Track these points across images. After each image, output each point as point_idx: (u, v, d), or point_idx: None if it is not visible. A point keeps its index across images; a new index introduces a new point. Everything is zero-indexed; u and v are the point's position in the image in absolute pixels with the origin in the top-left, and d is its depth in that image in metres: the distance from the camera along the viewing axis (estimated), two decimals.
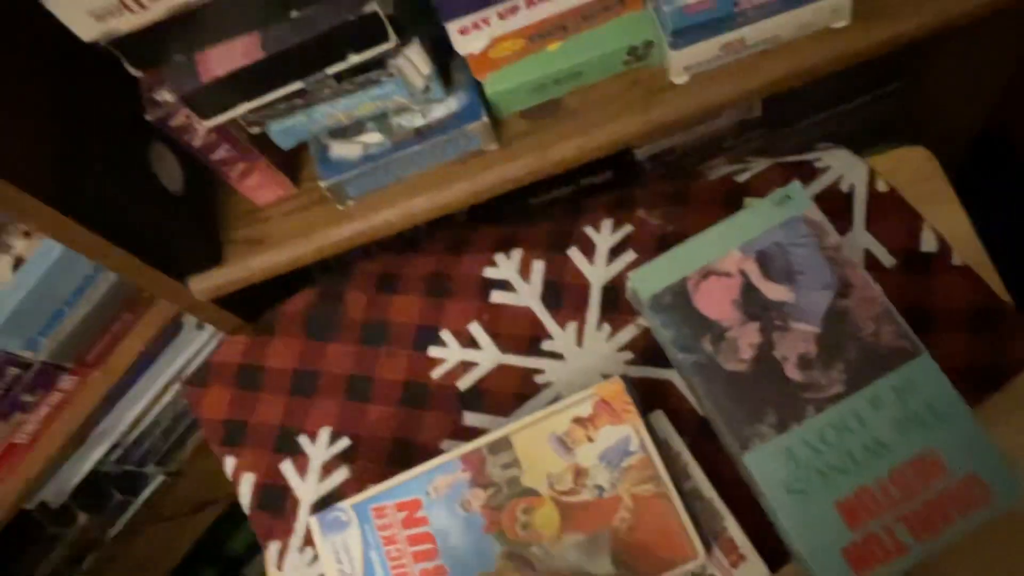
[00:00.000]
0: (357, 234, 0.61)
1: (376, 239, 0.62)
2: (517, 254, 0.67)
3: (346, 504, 0.56)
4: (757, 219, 0.54)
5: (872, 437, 0.48)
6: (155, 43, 0.47)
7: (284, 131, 0.57)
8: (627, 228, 0.66)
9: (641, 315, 0.61)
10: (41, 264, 0.63)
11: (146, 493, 1.07)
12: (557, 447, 0.55)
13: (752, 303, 0.52)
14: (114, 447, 0.95)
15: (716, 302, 0.53)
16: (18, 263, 0.63)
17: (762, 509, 0.54)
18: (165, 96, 0.51)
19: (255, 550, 1.28)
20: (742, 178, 0.66)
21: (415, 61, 0.54)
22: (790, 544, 0.49)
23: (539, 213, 0.71)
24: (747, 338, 0.51)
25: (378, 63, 0.53)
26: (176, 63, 0.47)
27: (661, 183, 0.68)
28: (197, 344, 0.95)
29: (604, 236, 0.66)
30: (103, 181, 0.52)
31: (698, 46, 0.56)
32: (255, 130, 0.56)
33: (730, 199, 0.65)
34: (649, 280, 0.54)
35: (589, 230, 0.67)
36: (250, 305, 0.70)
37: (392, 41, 0.50)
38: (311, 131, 0.58)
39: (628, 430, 0.54)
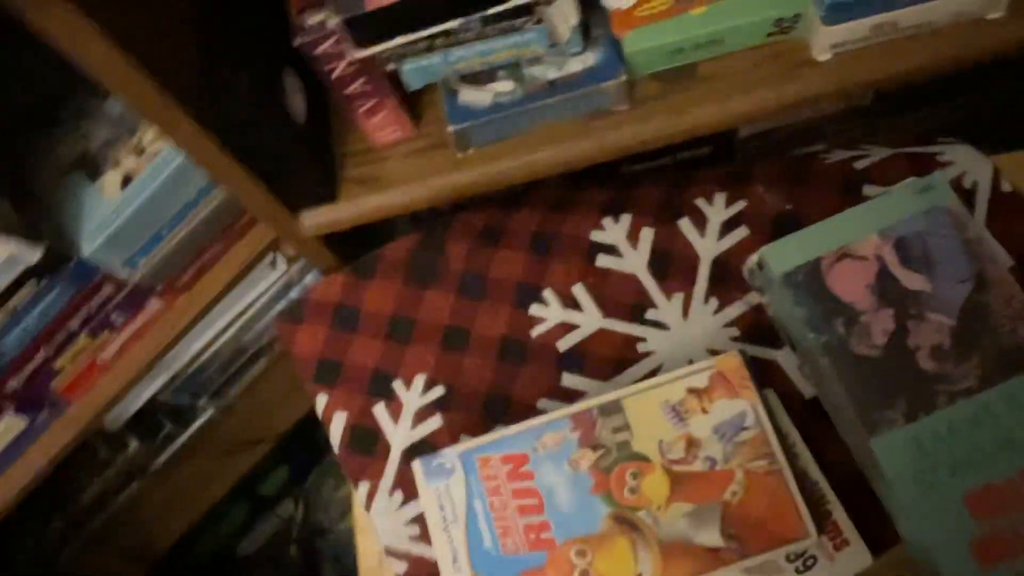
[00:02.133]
0: (473, 183, 0.61)
1: (492, 190, 0.61)
2: (626, 220, 0.66)
3: (451, 452, 0.55)
4: (897, 206, 0.53)
5: (1006, 434, 0.47)
6: None
7: (417, 71, 0.56)
8: (741, 204, 0.65)
9: (754, 291, 0.61)
10: (150, 183, 0.62)
11: (195, 427, 1.07)
12: (670, 415, 0.54)
13: (887, 289, 0.52)
14: (174, 376, 0.95)
15: (850, 285, 0.52)
16: (127, 180, 0.62)
17: (865, 495, 0.54)
18: (315, 21, 0.50)
19: (285, 492, 1.29)
20: (861, 165, 0.65)
21: (565, 10, 0.53)
22: (912, 533, 0.49)
23: (641, 180, 0.70)
24: (880, 324, 0.51)
25: (527, 9, 0.52)
26: None
27: (776, 163, 0.67)
28: (267, 282, 0.94)
29: (717, 209, 0.65)
30: (241, 101, 0.51)
31: (850, 24, 0.55)
32: (390, 67, 0.55)
33: (849, 185, 0.64)
34: (783, 256, 0.53)
35: (701, 202, 0.66)
36: (345, 247, 0.70)
37: None
38: (442, 74, 0.57)
39: (745, 405, 0.54)
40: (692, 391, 0.55)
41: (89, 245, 0.61)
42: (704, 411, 0.54)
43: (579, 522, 0.53)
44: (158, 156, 0.62)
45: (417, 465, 0.56)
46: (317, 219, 0.61)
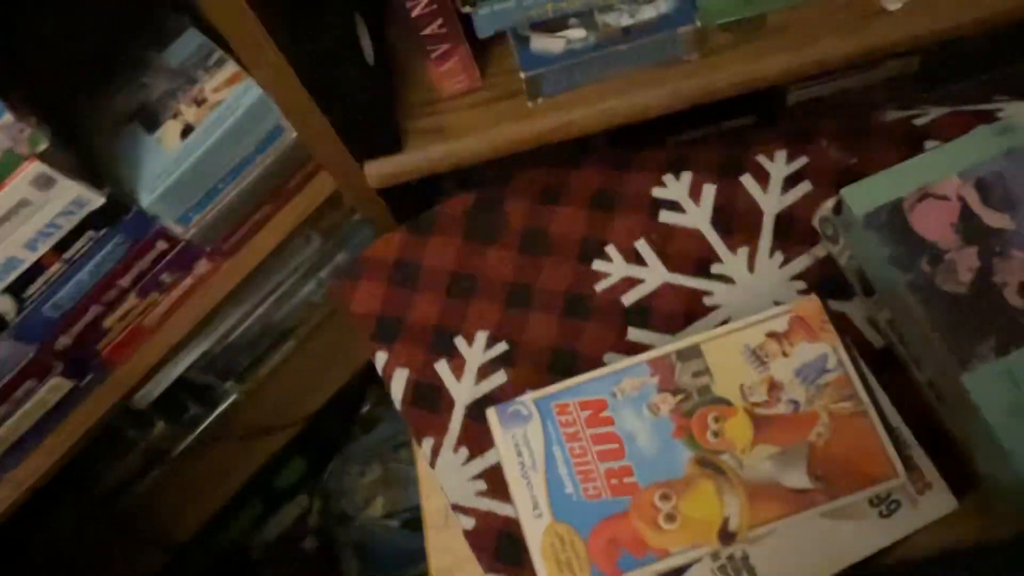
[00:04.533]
0: (543, 133, 0.60)
1: (563, 139, 0.61)
2: (687, 177, 0.66)
3: (526, 398, 0.54)
4: (975, 147, 0.53)
5: None
6: None
7: (490, 16, 0.56)
8: (802, 160, 0.65)
9: (821, 244, 0.60)
10: (212, 132, 0.61)
11: (219, 410, 1.05)
12: (750, 359, 0.54)
13: (970, 228, 0.51)
14: (204, 353, 0.93)
15: (933, 224, 0.52)
16: (187, 131, 0.61)
17: (941, 444, 0.54)
18: None
19: (301, 486, 1.27)
20: (920, 122, 0.66)
21: None
22: (1006, 467, 0.48)
23: (695, 144, 0.70)
24: (965, 262, 0.51)
25: None
26: None
27: (835, 120, 0.67)
28: (300, 257, 0.93)
29: (778, 165, 0.65)
30: (322, 36, 0.50)
31: None
32: (466, 9, 0.55)
33: (910, 141, 0.64)
34: (863, 197, 0.53)
35: (762, 159, 0.66)
36: (399, 206, 0.69)
37: None
38: (515, 20, 0.57)
39: (826, 348, 0.54)
40: (772, 335, 0.54)
41: (148, 195, 0.60)
42: (785, 354, 0.54)
43: (661, 466, 0.52)
44: (220, 105, 0.61)
45: (492, 412, 0.55)
46: (382, 169, 0.60)
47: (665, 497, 0.51)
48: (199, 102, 0.61)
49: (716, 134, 0.80)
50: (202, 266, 0.70)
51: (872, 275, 0.54)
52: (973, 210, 0.52)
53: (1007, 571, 0.49)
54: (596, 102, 0.59)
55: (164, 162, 0.61)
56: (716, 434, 0.52)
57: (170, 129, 0.61)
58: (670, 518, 0.51)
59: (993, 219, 0.52)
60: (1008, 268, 0.50)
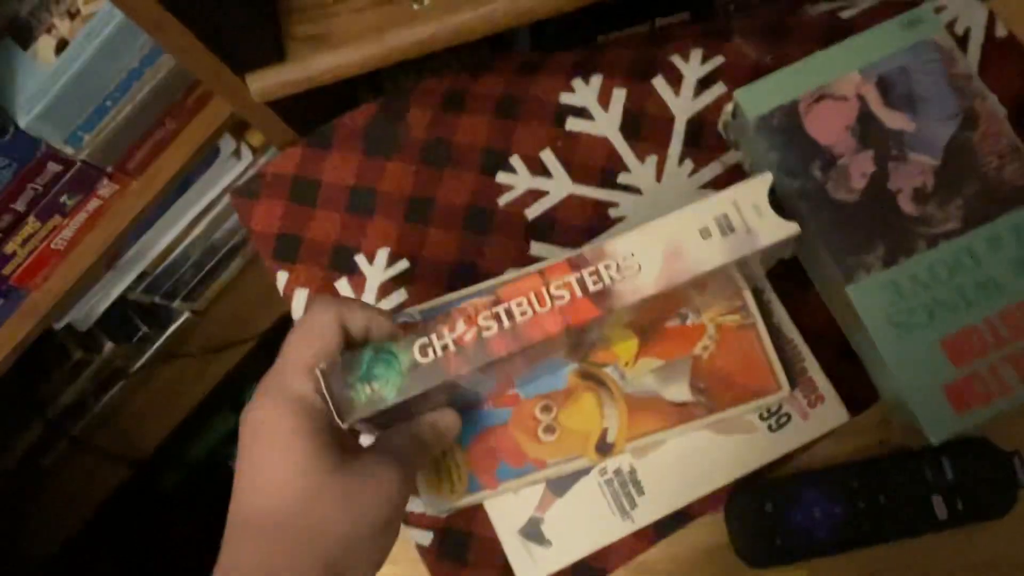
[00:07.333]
0: (432, 37, 0.57)
1: (451, 45, 0.57)
2: (596, 80, 0.62)
3: (414, 309, 0.53)
4: (881, 41, 0.50)
5: (986, 276, 0.45)
6: None
7: None
8: (718, 59, 0.61)
9: (731, 147, 0.58)
10: (86, 46, 0.58)
11: (171, 329, 1.06)
12: None
13: (868, 130, 0.48)
14: (143, 275, 0.92)
15: (829, 127, 0.49)
16: (62, 45, 0.58)
17: (844, 357, 0.53)
18: None
19: None
20: (847, 15, 0.61)
21: None
22: (888, 382, 0.47)
23: (615, 45, 0.66)
24: (860, 167, 0.48)
25: None
26: None
27: (756, 17, 0.63)
28: (232, 175, 0.91)
29: (693, 66, 0.61)
30: None
31: None
32: None
33: (834, 36, 0.60)
34: (757, 99, 0.50)
35: (676, 59, 0.62)
36: (302, 120, 0.66)
37: None
38: None
39: None
40: None
41: (25, 115, 0.58)
42: None
43: (545, 378, 0.51)
44: (93, 18, 0.58)
45: None
46: (265, 82, 0.57)
47: (546, 409, 0.50)
48: (72, 15, 0.58)
49: (639, 34, 0.76)
50: (106, 188, 0.68)
51: None
52: (872, 111, 0.49)
53: (865, 486, 0.48)
54: (482, 3, 0.55)
55: (40, 79, 0.58)
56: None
57: (44, 44, 0.58)
58: (549, 430, 0.50)
59: (893, 120, 0.48)
60: (904, 173, 0.47)
